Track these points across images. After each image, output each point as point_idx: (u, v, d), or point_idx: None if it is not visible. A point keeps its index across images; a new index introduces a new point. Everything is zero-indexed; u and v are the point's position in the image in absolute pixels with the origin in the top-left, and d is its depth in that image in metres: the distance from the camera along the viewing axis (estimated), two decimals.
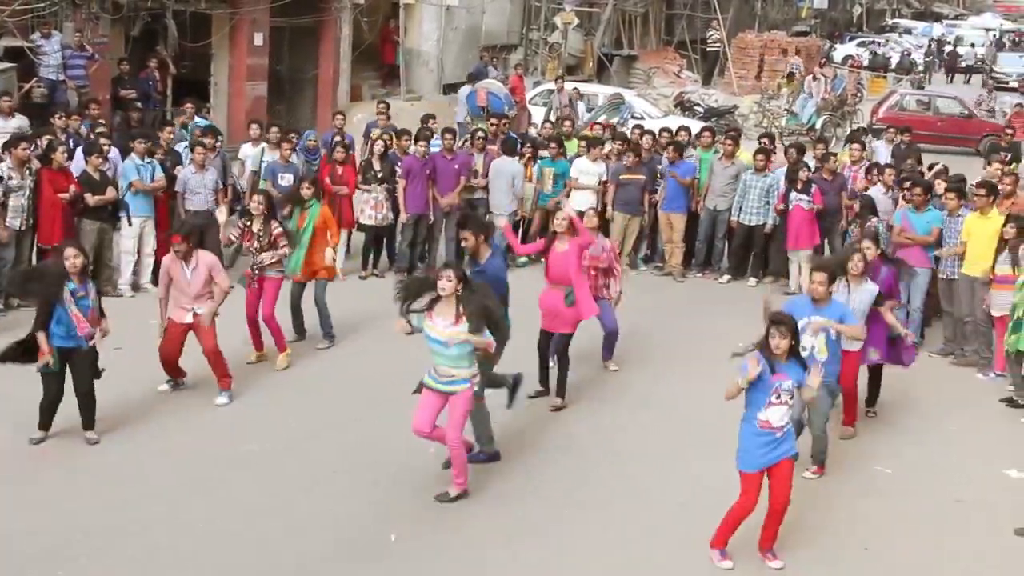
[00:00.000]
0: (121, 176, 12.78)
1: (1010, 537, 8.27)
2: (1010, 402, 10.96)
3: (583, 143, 15.55)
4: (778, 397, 7.34)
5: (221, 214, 13.48)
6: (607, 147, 15.65)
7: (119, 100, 17.82)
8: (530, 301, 10.16)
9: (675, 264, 15.18)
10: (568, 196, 14.38)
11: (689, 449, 9.34)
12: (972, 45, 55.36)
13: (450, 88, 27.13)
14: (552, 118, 20.10)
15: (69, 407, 8.97)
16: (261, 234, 10.70)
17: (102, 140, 13.24)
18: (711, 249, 15.32)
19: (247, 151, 14.47)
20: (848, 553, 7.95)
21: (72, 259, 8.67)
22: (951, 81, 48.23)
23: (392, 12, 26.12)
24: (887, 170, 14.15)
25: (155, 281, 12.86)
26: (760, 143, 15.82)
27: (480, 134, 15.40)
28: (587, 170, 14.87)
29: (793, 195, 14.23)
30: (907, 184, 12.99)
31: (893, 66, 45.37)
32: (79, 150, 13.01)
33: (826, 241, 14.43)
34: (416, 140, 14.68)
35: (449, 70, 27.36)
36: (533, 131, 19.68)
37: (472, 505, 8.24)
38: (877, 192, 13.53)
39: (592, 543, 7.85)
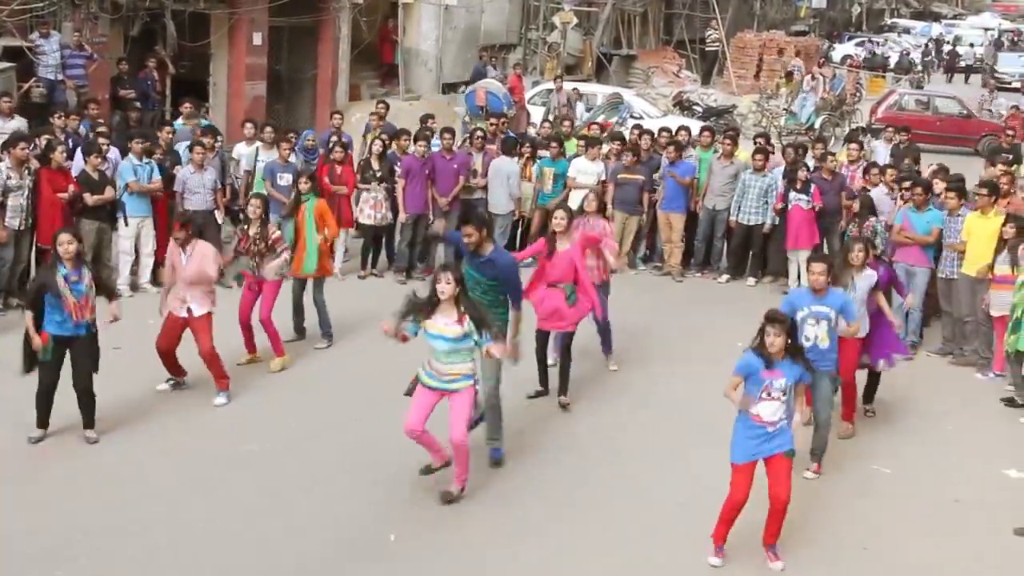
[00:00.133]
0: (119, 176, 12.78)
1: (1009, 537, 8.27)
2: (1010, 402, 10.97)
3: (581, 143, 15.55)
4: (769, 394, 7.37)
5: (220, 214, 13.58)
6: (605, 148, 15.65)
7: (118, 100, 17.82)
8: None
9: (674, 264, 15.19)
10: (567, 196, 14.37)
11: (689, 449, 9.35)
12: (971, 45, 55.37)
13: (449, 88, 27.16)
14: (550, 118, 20.11)
15: (69, 406, 8.97)
16: (258, 238, 10.68)
17: (101, 140, 13.23)
18: (710, 249, 15.33)
19: (241, 150, 14.45)
20: (847, 553, 7.96)
21: (65, 245, 8.68)
22: (950, 81, 48.21)
23: (391, 12, 26.13)
24: (889, 170, 14.16)
25: (154, 281, 12.94)
26: (756, 143, 15.83)
27: (479, 134, 15.41)
28: (586, 170, 14.87)
29: (792, 195, 14.24)
30: (907, 184, 13.00)
31: (892, 66, 45.35)
32: (79, 150, 13.01)
33: (825, 241, 14.43)
34: (416, 140, 14.67)
35: (448, 70, 27.38)
36: (532, 131, 19.69)
37: (472, 505, 8.24)
38: (880, 192, 13.53)
39: (592, 543, 7.85)
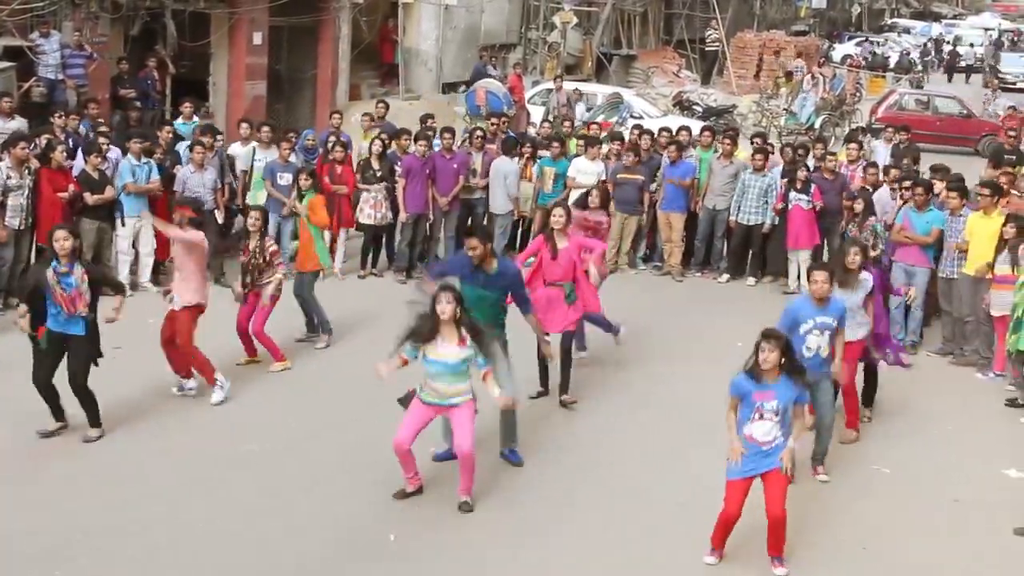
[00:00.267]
0: (117, 176, 12.78)
1: (1009, 537, 8.27)
2: (1012, 403, 10.96)
3: (581, 142, 15.55)
4: (761, 416, 7.36)
5: (220, 214, 13.57)
6: (605, 147, 15.64)
7: (118, 99, 17.81)
8: None
9: (674, 263, 15.19)
10: (568, 196, 14.37)
11: (689, 449, 9.35)
12: (971, 45, 55.35)
13: (449, 87, 27.16)
14: (550, 118, 20.11)
15: (71, 406, 8.98)
16: (257, 251, 10.66)
17: (101, 140, 13.22)
18: (710, 248, 15.33)
19: (236, 150, 14.44)
20: (847, 553, 7.96)
21: (61, 241, 8.71)
22: (951, 81, 48.18)
23: (391, 11, 26.12)
24: (892, 171, 14.17)
25: (155, 280, 12.94)
26: (752, 142, 15.83)
27: (478, 133, 15.41)
28: (586, 169, 14.86)
29: (793, 195, 14.24)
30: (907, 184, 12.99)
31: (892, 66, 45.33)
32: (80, 150, 13.01)
33: (826, 241, 14.42)
34: (416, 140, 14.67)
35: (448, 69, 27.38)
36: (532, 130, 19.69)
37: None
38: (883, 193, 13.53)
39: (592, 543, 7.86)
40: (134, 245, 13.03)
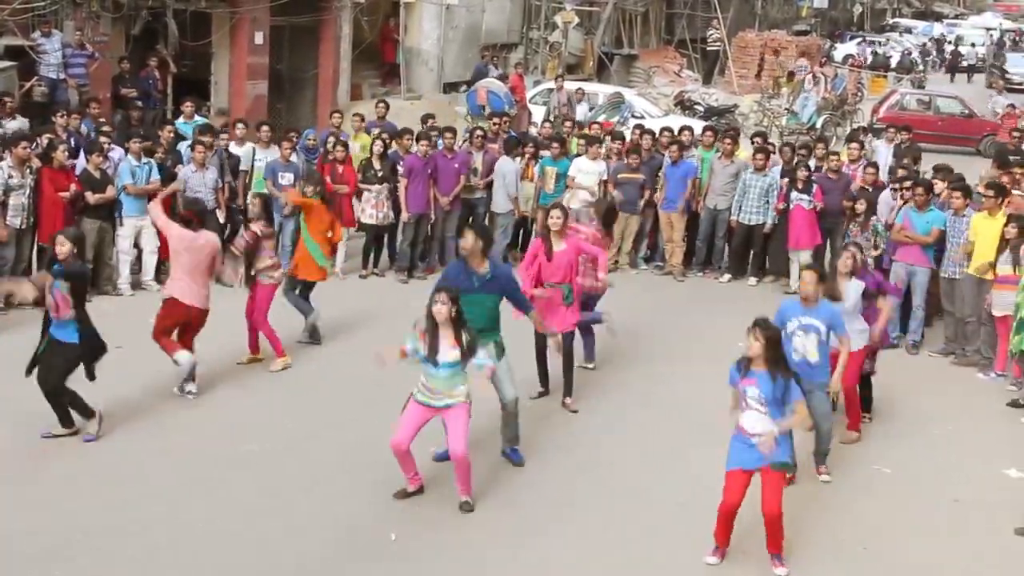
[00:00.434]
0: (117, 177, 12.78)
1: (1009, 537, 8.27)
2: (1014, 403, 10.95)
3: (582, 142, 15.55)
4: (748, 404, 7.38)
5: (221, 214, 13.57)
6: (604, 147, 15.62)
7: (120, 99, 17.82)
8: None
9: (675, 263, 15.19)
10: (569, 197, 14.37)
11: (689, 449, 9.34)
12: (972, 45, 55.30)
13: (450, 87, 27.16)
14: (551, 118, 20.11)
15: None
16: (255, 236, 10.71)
17: (103, 139, 13.23)
18: (711, 248, 15.33)
19: (232, 150, 14.41)
20: (847, 553, 7.95)
21: (58, 246, 8.77)
22: (953, 81, 48.14)
23: (392, 11, 26.14)
24: (900, 171, 14.15)
25: (158, 279, 12.94)
26: (753, 142, 15.83)
27: (479, 133, 15.41)
28: (587, 169, 14.86)
29: (794, 195, 14.24)
30: (908, 184, 12.98)
31: (893, 65, 45.29)
32: (82, 149, 13.03)
33: (829, 241, 14.41)
34: (418, 139, 14.66)
35: (449, 69, 27.39)
36: (533, 130, 19.69)
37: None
38: (887, 192, 13.52)
39: (592, 543, 7.85)
40: (136, 244, 13.03)
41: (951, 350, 12.34)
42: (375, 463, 8.70)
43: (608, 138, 16.12)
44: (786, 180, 14.52)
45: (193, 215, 10.06)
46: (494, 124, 16.17)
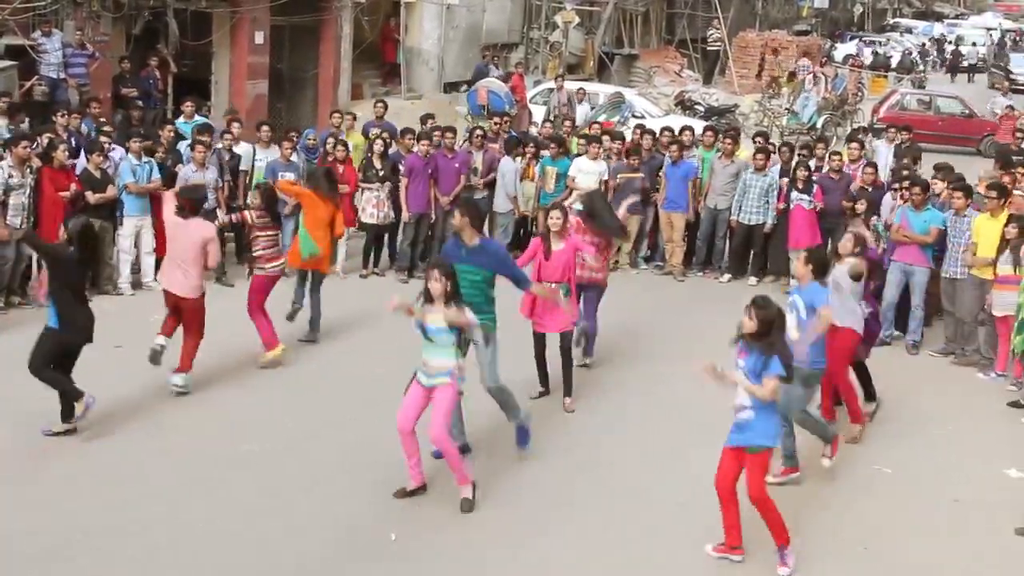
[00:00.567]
0: (118, 176, 12.79)
1: (1009, 537, 8.26)
2: (1015, 404, 10.94)
3: (582, 141, 15.55)
4: (739, 379, 7.47)
5: (221, 213, 13.56)
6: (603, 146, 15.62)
7: (120, 98, 17.82)
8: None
9: (676, 263, 15.19)
10: (567, 197, 14.36)
11: (689, 449, 9.33)
12: (973, 44, 55.26)
13: (451, 87, 27.16)
14: (551, 117, 20.11)
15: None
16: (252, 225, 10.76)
17: (103, 138, 13.23)
18: (711, 248, 15.33)
19: (235, 149, 14.40)
20: (847, 553, 7.95)
21: (60, 231, 8.89)
22: (953, 81, 48.09)
23: (393, 10, 26.15)
24: (903, 171, 14.16)
25: (158, 278, 12.93)
26: (755, 142, 15.82)
27: (478, 132, 15.42)
28: (587, 169, 14.85)
29: (794, 195, 14.24)
30: (905, 183, 12.98)
31: (894, 65, 45.25)
32: (82, 149, 13.03)
33: (828, 241, 14.39)
34: (419, 139, 14.66)
35: (450, 69, 27.39)
36: (533, 130, 19.70)
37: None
38: (890, 195, 13.51)
39: (592, 543, 7.85)
40: (136, 244, 13.03)
41: (951, 350, 12.34)
42: (375, 463, 8.71)
43: (606, 138, 16.12)
44: (786, 180, 14.52)
45: (186, 202, 10.02)
46: (495, 124, 16.21)
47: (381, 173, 14.30)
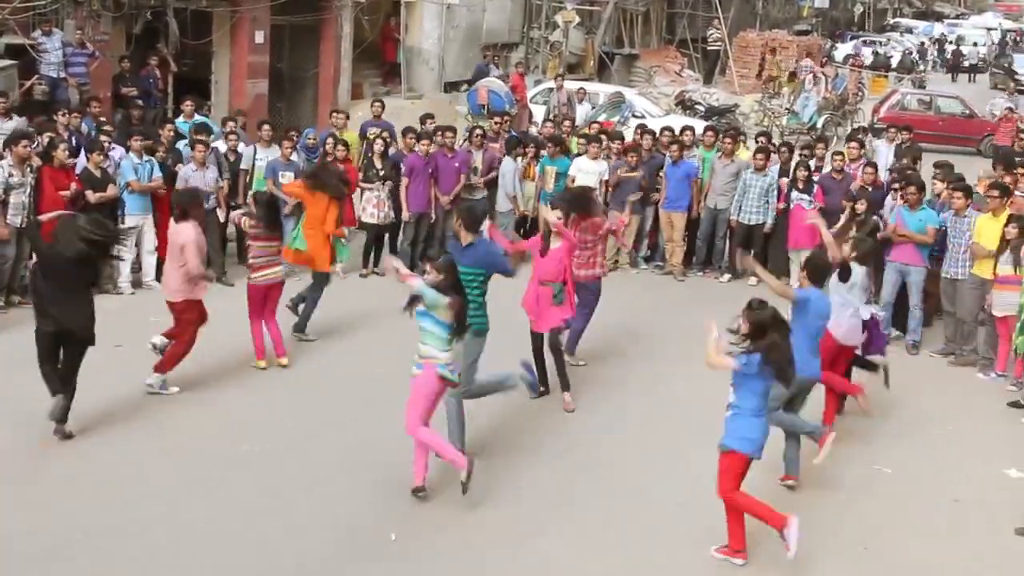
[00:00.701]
0: (119, 175, 12.78)
1: (1009, 536, 8.27)
2: (1015, 404, 10.94)
3: (582, 141, 15.55)
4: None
5: (222, 212, 13.58)
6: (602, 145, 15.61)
7: (120, 98, 17.82)
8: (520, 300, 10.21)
9: (676, 263, 15.19)
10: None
11: (689, 449, 9.32)
12: (974, 44, 55.23)
13: (451, 86, 27.16)
14: (551, 117, 20.11)
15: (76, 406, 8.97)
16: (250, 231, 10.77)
17: (103, 138, 13.23)
18: (711, 248, 15.32)
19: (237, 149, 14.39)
20: (847, 553, 7.95)
21: None
22: (954, 81, 48.06)
23: (393, 10, 26.14)
24: (905, 171, 14.15)
25: (159, 278, 12.93)
26: (757, 142, 15.82)
27: (478, 132, 15.42)
28: (587, 168, 14.86)
29: (794, 195, 14.23)
30: (901, 182, 12.97)
31: (894, 65, 45.23)
32: (83, 148, 13.02)
33: None
34: (420, 139, 14.66)
35: (450, 68, 27.38)
36: (533, 130, 19.70)
37: (472, 505, 8.23)
38: (890, 198, 13.51)
39: (592, 543, 7.85)
40: (136, 244, 13.02)
41: (951, 350, 12.33)
42: (375, 463, 8.71)
43: (605, 138, 16.12)
44: (786, 180, 14.51)
45: (178, 207, 10.10)
46: (495, 123, 16.21)
47: (381, 173, 14.30)
